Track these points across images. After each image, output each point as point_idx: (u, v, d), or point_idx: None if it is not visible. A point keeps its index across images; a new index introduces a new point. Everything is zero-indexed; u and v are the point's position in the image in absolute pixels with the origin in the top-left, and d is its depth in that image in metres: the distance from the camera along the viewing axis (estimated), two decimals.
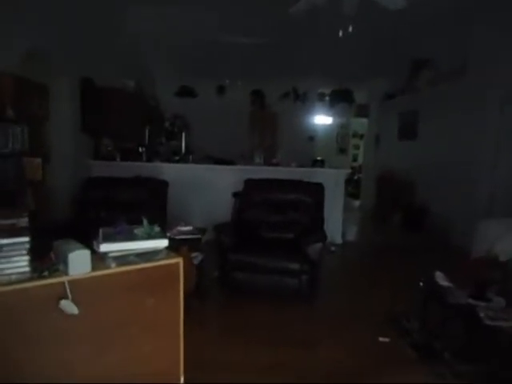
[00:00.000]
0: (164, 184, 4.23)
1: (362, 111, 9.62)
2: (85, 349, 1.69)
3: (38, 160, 3.90)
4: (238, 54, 6.84)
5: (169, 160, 5.98)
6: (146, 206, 3.74)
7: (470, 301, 2.46)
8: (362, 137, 10.73)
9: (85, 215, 3.79)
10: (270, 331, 2.85)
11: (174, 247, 2.01)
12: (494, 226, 3.69)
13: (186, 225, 3.59)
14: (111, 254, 1.72)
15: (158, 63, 7.74)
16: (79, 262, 1.60)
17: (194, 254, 3.35)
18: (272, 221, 3.93)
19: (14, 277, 1.48)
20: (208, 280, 3.58)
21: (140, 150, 6.00)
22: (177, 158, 6.29)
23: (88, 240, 1.77)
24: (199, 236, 3.53)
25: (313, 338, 2.88)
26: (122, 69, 6.24)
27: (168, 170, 5.25)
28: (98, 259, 1.71)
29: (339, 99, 9.02)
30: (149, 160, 5.81)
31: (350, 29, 3.94)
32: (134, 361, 1.85)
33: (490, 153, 5.06)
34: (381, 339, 2.74)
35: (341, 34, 4.17)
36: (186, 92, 8.92)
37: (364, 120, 9.79)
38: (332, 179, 5.31)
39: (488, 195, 5.03)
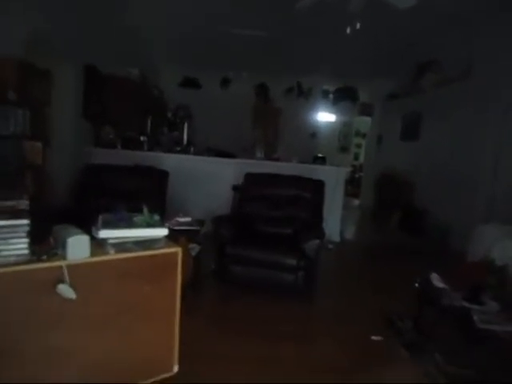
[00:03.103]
0: (164, 174, 4.22)
1: (366, 110, 9.59)
2: (81, 333, 1.70)
3: (39, 144, 3.89)
4: (244, 47, 6.81)
5: (170, 150, 5.96)
6: (145, 195, 3.72)
7: (464, 303, 2.47)
8: (364, 136, 10.72)
9: (83, 202, 3.78)
10: (264, 325, 2.87)
11: (172, 238, 2.02)
12: (491, 231, 3.70)
13: (184, 216, 3.59)
14: (110, 241, 1.72)
15: (163, 53, 7.70)
16: (78, 246, 1.60)
17: (191, 246, 3.35)
18: (271, 215, 3.93)
19: (12, 259, 1.48)
20: (204, 272, 3.58)
21: (141, 138, 5.98)
22: (178, 148, 6.27)
23: (86, 226, 1.77)
24: (197, 228, 3.53)
25: (306, 333, 2.89)
26: (127, 57, 6.20)
27: (169, 161, 5.23)
28: (97, 245, 1.72)
29: (343, 97, 8.99)
30: (150, 149, 5.80)
31: (358, 26, 3.91)
32: (130, 347, 1.86)
33: (491, 157, 5.05)
34: (373, 338, 2.76)
35: (348, 31, 4.15)
36: (189, 83, 8.88)
37: (367, 119, 9.76)
38: (332, 177, 5.30)
39: (487, 200, 5.04)
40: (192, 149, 6.27)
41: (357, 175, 10.41)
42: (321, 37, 6.04)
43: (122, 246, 1.74)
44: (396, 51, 6.47)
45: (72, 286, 1.58)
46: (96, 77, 5.34)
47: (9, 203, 1.50)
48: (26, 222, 1.50)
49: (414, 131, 7.06)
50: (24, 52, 3.80)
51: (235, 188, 4.88)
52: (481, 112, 5.20)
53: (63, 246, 1.59)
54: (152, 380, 1.98)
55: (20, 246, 1.50)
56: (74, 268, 1.61)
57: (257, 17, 5.49)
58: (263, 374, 2.23)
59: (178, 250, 1.93)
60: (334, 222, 5.43)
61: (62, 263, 1.58)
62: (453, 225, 5.44)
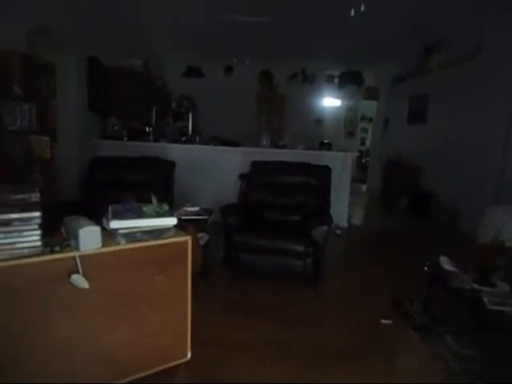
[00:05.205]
0: (171, 164, 4.23)
1: (372, 94, 9.46)
2: (95, 322, 1.73)
3: (46, 138, 3.90)
4: (246, 34, 6.72)
5: (175, 140, 5.96)
6: (153, 186, 3.74)
7: (475, 285, 2.47)
8: (370, 120, 10.59)
9: (92, 194, 3.82)
10: (273, 311, 2.90)
11: (181, 227, 2.03)
12: (501, 213, 3.67)
13: (192, 205, 3.61)
14: (120, 231, 1.74)
15: (165, 43, 7.63)
16: (90, 237, 1.62)
17: (200, 235, 3.38)
18: (278, 203, 3.93)
19: (25, 251, 1.50)
20: (213, 260, 3.61)
21: (147, 129, 5.98)
22: (184, 138, 6.27)
23: (95, 218, 1.78)
24: (206, 217, 3.55)
25: (315, 318, 2.91)
26: (129, 48, 6.16)
27: (175, 151, 5.25)
28: (108, 236, 1.74)
29: (348, 81, 8.87)
30: (156, 140, 5.80)
31: (362, 8, 3.83)
32: (143, 335, 1.90)
33: (500, 138, 4.98)
34: (383, 321, 2.77)
35: (353, 13, 4.07)
36: (193, 72, 8.82)
37: (373, 103, 9.64)
38: (339, 162, 5.28)
39: (497, 182, 4.98)
40: (197, 138, 6.26)
41: (363, 160, 10.34)
42: (324, 20, 5.93)
43: (132, 236, 1.76)
44: (402, 33, 6.34)
45: (85, 276, 1.61)
46: (100, 69, 5.33)
47: (20, 196, 1.51)
48: (37, 214, 1.52)
49: (421, 114, 6.96)
50: (27, 45, 3.79)
51: (242, 176, 4.88)
52: (489, 93, 5.10)
53: (75, 237, 1.61)
54: (166, 366, 2.02)
55: (33, 238, 1.52)
56: (87, 258, 1.63)
57: (258, 2, 5.39)
58: (274, 359, 2.26)
59: (187, 238, 1.94)
60: (342, 207, 5.42)
61: (75, 254, 1.60)
62: (462, 207, 5.40)
